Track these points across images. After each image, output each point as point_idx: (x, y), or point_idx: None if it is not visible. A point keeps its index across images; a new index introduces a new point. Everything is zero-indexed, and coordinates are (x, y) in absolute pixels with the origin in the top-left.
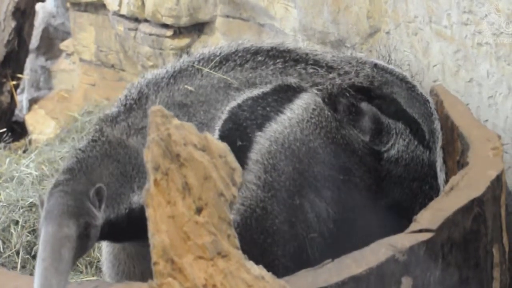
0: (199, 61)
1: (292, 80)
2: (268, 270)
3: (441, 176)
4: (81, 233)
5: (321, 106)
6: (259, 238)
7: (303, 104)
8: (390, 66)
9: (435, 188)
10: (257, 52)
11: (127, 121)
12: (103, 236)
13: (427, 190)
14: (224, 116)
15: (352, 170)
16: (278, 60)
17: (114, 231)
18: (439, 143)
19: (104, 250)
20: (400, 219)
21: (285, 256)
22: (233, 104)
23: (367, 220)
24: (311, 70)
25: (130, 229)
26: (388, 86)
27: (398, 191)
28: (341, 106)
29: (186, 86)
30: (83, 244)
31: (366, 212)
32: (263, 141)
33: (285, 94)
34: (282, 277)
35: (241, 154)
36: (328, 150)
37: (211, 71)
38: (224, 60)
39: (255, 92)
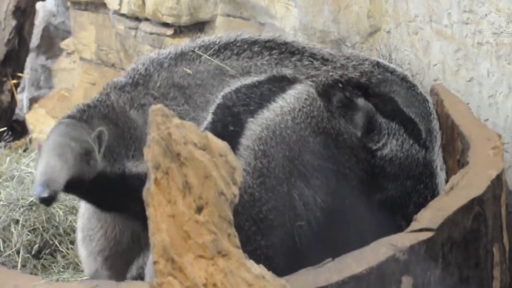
0: (199, 47)
1: (287, 71)
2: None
3: (441, 175)
4: (82, 155)
5: (314, 96)
6: (244, 225)
7: (295, 94)
8: (392, 65)
9: (430, 187)
10: (254, 42)
11: (132, 94)
12: (97, 193)
13: (421, 189)
14: (218, 100)
15: (341, 161)
16: (274, 52)
17: (107, 190)
18: (438, 143)
19: (82, 205)
20: (392, 215)
21: (268, 247)
22: (227, 90)
23: (356, 211)
24: (307, 62)
25: (122, 194)
26: (387, 84)
27: (392, 189)
28: (335, 98)
29: (185, 69)
30: (82, 166)
31: (355, 204)
32: (254, 127)
33: (278, 83)
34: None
35: (233, 139)
36: (318, 140)
37: (210, 58)
38: (222, 49)
39: (249, 80)
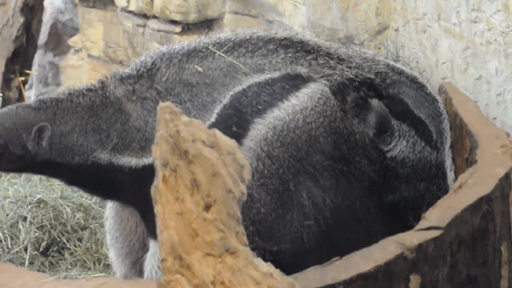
0: (214, 44)
1: (302, 69)
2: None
3: (450, 176)
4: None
5: (328, 95)
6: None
7: (309, 93)
8: (401, 66)
9: (443, 188)
10: (270, 40)
11: (134, 86)
12: (75, 181)
13: (434, 191)
14: (225, 100)
15: (353, 162)
16: (289, 50)
17: (82, 179)
18: (448, 143)
19: (108, 207)
20: (404, 216)
21: (265, 249)
22: (237, 89)
23: (366, 212)
24: (322, 61)
25: (100, 181)
26: (396, 86)
27: (404, 191)
28: (349, 98)
29: (196, 66)
30: None
31: (366, 205)
32: (260, 127)
33: (292, 82)
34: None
35: (235, 140)
36: (330, 140)
37: (223, 55)
38: (237, 46)
39: (262, 77)
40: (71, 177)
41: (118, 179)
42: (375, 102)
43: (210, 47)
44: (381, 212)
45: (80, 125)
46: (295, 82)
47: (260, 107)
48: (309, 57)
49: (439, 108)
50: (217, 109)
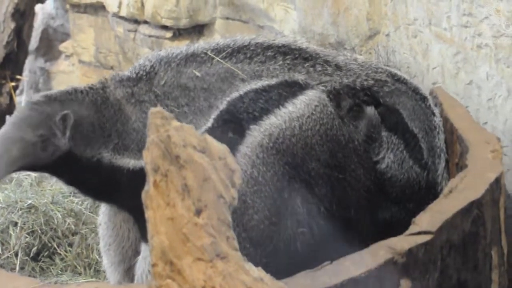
0: (212, 50)
1: (300, 76)
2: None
3: None
4: (37, 142)
5: (325, 103)
6: (233, 231)
7: (306, 100)
8: (403, 75)
9: None
10: (268, 47)
11: (133, 89)
12: (77, 179)
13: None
14: (222, 106)
15: (348, 170)
16: (287, 57)
17: (82, 173)
18: (442, 163)
19: (101, 210)
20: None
21: (256, 256)
22: (234, 95)
23: (362, 221)
24: (320, 68)
25: (102, 182)
26: (394, 95)
27: (394, 210)
28: (345, 104)
29: (194, 71)
30: (36, 154)
31: (362, 214)
32: (256, 134)
33: (290, 88)
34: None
35: (230, 146)
36: (325, 148)
37: (221, 61)
38: (235, 52)
39: (260, 84)
40: (76, 174)
41: (116, 180)
42: (370, 110)
43: (208, 52)
44: (375, 221)
45: (89, 117)
46: (292, 89)
47: (257, 114)
48: (307, 64)
49: (435, 121)
50: (214, 114)
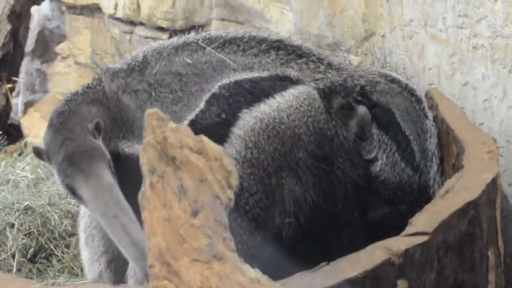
0: (203, 40)
1: (292, 72)
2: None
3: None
4: (111, 172)
5: (314, 97)
6: (229, 216)
7: (295, 93)
8: (398, 76)
9: None
10: (262, 41)
11: (126, 79)
12: None
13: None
14: (214, 89)
15: (336, 163)
16: (281, 52)
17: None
18: (435, 166)
19: (82, 222)
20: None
21: (247, 243)
22: (226, 81)
23: (350, 216)
24: (313, 66)
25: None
26: (388, 95)
27: (386, 211)
28: (335, 102)
29: (185, 58)
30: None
31: (350, 209)
32: (248, 118)
33: (280, 82)
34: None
35: (225, 127)
36: (313, 139)
37: (213, 50)
38: (228, 43)
39: (251, 75)
40: None
41: (127, 169)
42: (361, 108)
43: (199, 42)
44: (363, 217)
45: (101, 115)
46: (283, 82)
47: (248, 100)
48: (300, 60)
49: (427, 125)
50: (206, 97)
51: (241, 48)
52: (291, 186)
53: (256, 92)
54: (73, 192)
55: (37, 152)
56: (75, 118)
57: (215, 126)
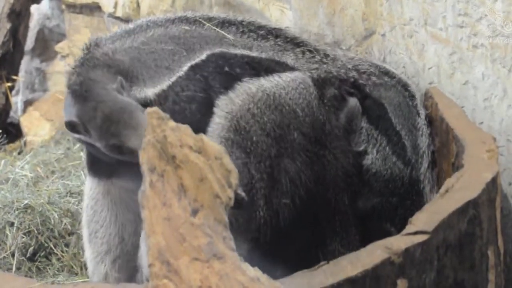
0: (202, 17)
1: (289, 59)
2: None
3: (430, 197)
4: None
5: (308, 83)
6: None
7: (290, 76)
8: (394, 70)
9: (417, 204)
10: (261, 27)
11: (119, 42)
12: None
13: (408, 205)
14: (215, 49)
15: (328, 147)
16: (279, 39)
17: None
18: (425, 163)
19: (86, 195)
20: (378, 222)
21: (241, 231)
22: (225, 50)
23: (340, 204)
24: (309, 55)
25: None
26: (381, 88)
27: (377, 203)
28: (328, 92)
29: (183, 27)
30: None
31: (340, 196)
32: (249, 85)
33: (276, 65)
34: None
35: (229, 79)
36: (308, 120)
37: (213, 26)
38: (226, 23)
39: (250, 53)
40: None
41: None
42: (352, 101)
43: (197, 17)
44: (353, 204)
45: (112, 73)
46: (280, 66)
47: (246, 71)
48: (297, 49)
49: (419, 123)
50: (207, 52)
51: (240, 30)
52: (287, 165)
53: (255, 67)
54: (120, 150)
55: (71, 126)
56: (96, 84)
57: (219, 76)
